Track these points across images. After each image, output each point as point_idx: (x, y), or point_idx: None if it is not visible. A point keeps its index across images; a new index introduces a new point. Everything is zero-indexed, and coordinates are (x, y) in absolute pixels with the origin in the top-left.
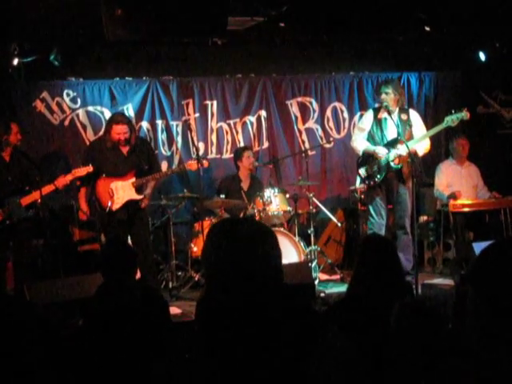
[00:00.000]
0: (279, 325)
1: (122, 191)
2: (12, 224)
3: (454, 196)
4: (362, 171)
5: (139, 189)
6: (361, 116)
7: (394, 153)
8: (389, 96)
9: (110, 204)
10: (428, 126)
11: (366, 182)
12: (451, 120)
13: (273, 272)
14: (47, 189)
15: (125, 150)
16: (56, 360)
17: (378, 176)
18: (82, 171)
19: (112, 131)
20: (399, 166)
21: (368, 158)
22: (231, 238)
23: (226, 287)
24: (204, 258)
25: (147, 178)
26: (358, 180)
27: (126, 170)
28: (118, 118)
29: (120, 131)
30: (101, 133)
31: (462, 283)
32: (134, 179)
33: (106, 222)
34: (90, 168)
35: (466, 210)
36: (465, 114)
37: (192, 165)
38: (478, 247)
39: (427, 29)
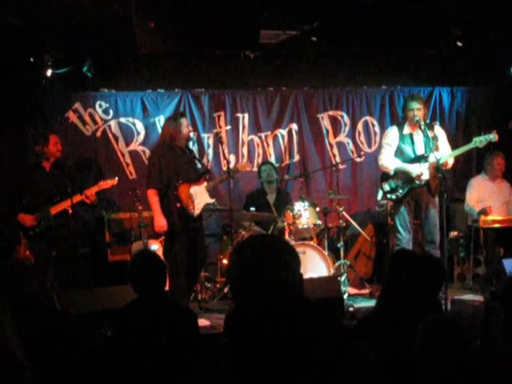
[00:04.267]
0: (307, 338)
1: (199, 196)
2: (48, 233)
3: (485, 211)
4: (386, 186)
5: (210, 193)
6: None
7: (423, 169)
8: (420, 111)
9: (192, 210)
10: (459, 142)
11: (388, 197)
12: (479, 141)
13: (293, 288)
14: (75, 199)
15: (188, 153)
16: (84, 369)
17: (401, 191)
18: (108, 184)
19: (183, 126)
20: (422, 183)
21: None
22: (252, 254)
23: (251, 302)
24: (228, 274)
25: (215, 181)
26: (380, 194)
27: (197, 173)
28: (179, 113)
29: (188, 123)
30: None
31: (492, 299)
32: (206, 183)
33: (189, 228)
34: (115, 181)
35: (497, 225)
36: (494, 136)
37: (244, 166)
38: (509, 263)
39: (459, 44)
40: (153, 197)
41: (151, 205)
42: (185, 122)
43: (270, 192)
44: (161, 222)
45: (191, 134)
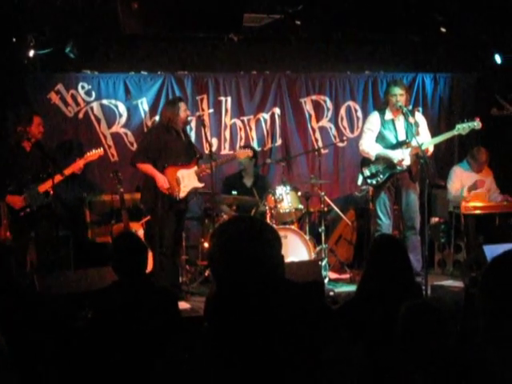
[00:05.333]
0: (290, 321)
1: (187, 179)
2: (32, 212)
3: (475, 187)
4: (366, 171)
5: (199, 177)
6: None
7: (405, 155)
8: (402, 97)
9: (177, 192)
10: (441, 128)
11: (368, 182)
12: (462, 128)
13: (273, 269)
14: (57, 179)
15: (184, 136)
16: (64, 351)
17: (381, 176)
18: (94, 155)
19: (181, 110)
20: (403, 169)
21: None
22: (231, 237)
23: (233, 284)
24: (210, 256)
25: (204, 166)
26: (360, 179)
27: (190, 157)
28: (178, 97)
29: (186, 108)
30: (147, 121)
31: (472, 285)
32: (196, 167)
33: (172, 209)
34: (102, 152)
35: (478, 212)
36: (477, 124)
37: (242, 153)
38: (489, 250)
39: (443, 30)
40: (142, 166)
41: (146, 172)
42: (183, 106)
43: (246, 176)
44: (162, 181)
45: (189, 119)
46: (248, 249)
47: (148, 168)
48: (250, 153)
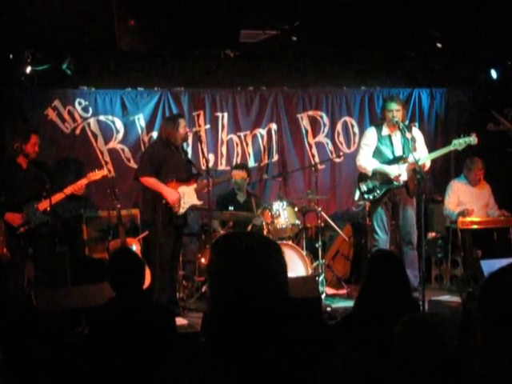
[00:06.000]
0: (286, 337)
1: (187, 196)
2: (31, 230)
3: (464, 214)
4: (363, 186)
5: (198, 194)
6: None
7: (401, 170)
8: (399, 112)
9: (177, 208)
10: (438, 143)
11: (365, 197)
12: (458, 143)
13: (277, 285)
14: (57, 197)
15: (183, 154)
16: (61, 367)
17: (378, 191)
18: (97, 175)
19: (180, 126)
20: (400, 184)
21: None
22: (235, 251)
23: (232, 300)
24: (209, 271)
25: (202, 184)
26: (357, 194)
27: (189, 174)
28: (178, 114)
29: (185, 125)
30: (142, 137)
31: (469, 301)
32: (195, 185)
33: (171, 225)
34: (105, 171)
35: (475, 227)
36: (473, 139)
37: (238, 175)
38: (486, 265)
39: (439, 45)
40: (148, 180)
41: (152, 186)
42: (183, 122)
43: (240, 193)
44: (173, 195)
45: (188, 135)
46: (247, 264)
47: (154, 182)
48: (244, 174)
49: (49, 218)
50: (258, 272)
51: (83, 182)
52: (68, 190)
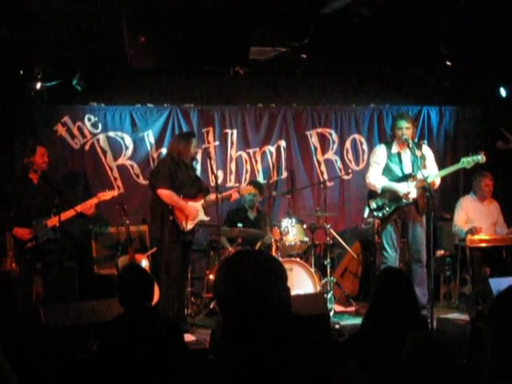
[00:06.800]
0: (295, 354)
1: None
2: (38, 245)
3: (472, 231)
4: (373, 203)
5: (205, 210)
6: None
7: (411, 188)
8: (409, 130)
9: (184, 224)
10: (447, 161)
11: (374, 214)
12: (467, 161)
13: (280, 303)
14: (68, 214)
15: (191, 170)
16: (69, 382)
17: (387, 209)
18: (108, 195)
19: (192, 145)
20: (409, 202)
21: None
22: (240, 269)
23: (239, 317)
24: (216, 288)
25: (209, 200)
26: (367, 211)
27: (197, 191)
28: (191, 133)
29: (197, 144)
30: (152, 154)
31: (478, 319)
32: (202, 201)
33: (179, 241)
34: (115, 192)
35: (484, 245)
36: (481, 158)
37: (245, 190)
38: (495, 283)
39: (448, 63)
40: (166, 192)
41: (169, 200)
42: (195, 142)
43: (250, 210)
44: (193, 210)
45: (197, 153)
46: (253, 282)
47: (172, 195)
48: (252, 189)
49: (57, 234)
50: (259, 290)
51: (93, 201)
52: (78, 208)
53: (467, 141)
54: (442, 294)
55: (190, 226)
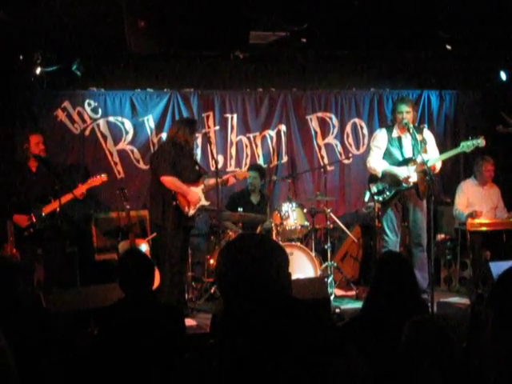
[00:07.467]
0: (295, 338)
1: None
2: (36, 232)
3: (473, 215)
4: (373, 187)
5: (205, 195)
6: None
7: (411, 172)
8: (409, 114)
9: (187, 209)
10: (447, 145)
11: (375, 198)
12: (467, 146)
13: (281, 288)
14: (66, 197)
15: (192, 155)
16: (70, 368)
17: (388, 193)
18: (97, 181)
19: (194, 134)
20: (410, 186)
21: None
22: (242, 254)
23: (240, 302)
24: (217, 273)
25: (211, 184)
26: (367, 195)
27: (197, 175)
28: (195, 120)
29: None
30: (151, 139)
31: (478, 302)
32: (202, 185)
33: (181, 226)
34: (105, 178)
35: (484, 229)
36: (481, 142)
37: (240, 174)
38: (495, 267)
39: (449, 47)
40: (170, 179)
41: (173, 186)
42: (198, 129)
43: (253, 193)
44: (195, 195)
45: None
46: (255, 266)
47: (175, 181)
48: (247, 174)
49: (55, 221)
50: (260, 274)
51: (83, 187)
52: (68, 196)
53: (467, 125)
54: (442, 278)
55: (192, 211)
